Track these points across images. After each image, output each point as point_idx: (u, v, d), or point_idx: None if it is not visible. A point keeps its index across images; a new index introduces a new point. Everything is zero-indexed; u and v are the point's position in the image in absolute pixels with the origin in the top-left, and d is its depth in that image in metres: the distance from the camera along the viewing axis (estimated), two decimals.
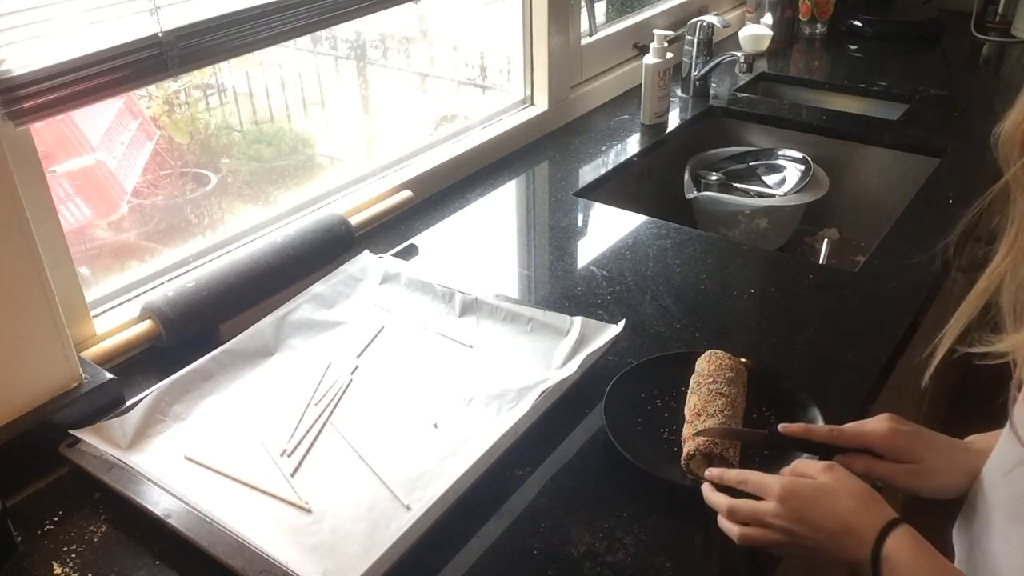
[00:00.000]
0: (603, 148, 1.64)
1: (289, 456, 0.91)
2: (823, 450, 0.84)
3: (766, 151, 1.72)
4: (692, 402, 0.92)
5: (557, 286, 1.21)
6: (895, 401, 1.26)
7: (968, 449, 0.82)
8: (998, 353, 0.66)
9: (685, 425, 0.90)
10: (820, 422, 0.91)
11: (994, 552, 0.72)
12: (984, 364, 0.67)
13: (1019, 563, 0.68)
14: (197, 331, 1.08)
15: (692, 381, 0.95)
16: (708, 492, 0.81)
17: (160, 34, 0.98)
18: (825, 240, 1.77)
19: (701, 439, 0.85)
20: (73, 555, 0.82)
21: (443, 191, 1.48)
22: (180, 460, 0.90)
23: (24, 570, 0.81)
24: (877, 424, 0.83)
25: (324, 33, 1.45)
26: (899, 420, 0.83)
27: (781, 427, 0.85)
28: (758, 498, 0.77)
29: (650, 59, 1.67)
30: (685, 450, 0.86)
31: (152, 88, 1.27)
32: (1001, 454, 0.75)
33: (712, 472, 0.83)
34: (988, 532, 0.73)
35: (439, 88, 1.73)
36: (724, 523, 0.79)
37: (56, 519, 0.86)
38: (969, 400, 0.78)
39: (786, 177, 1.66)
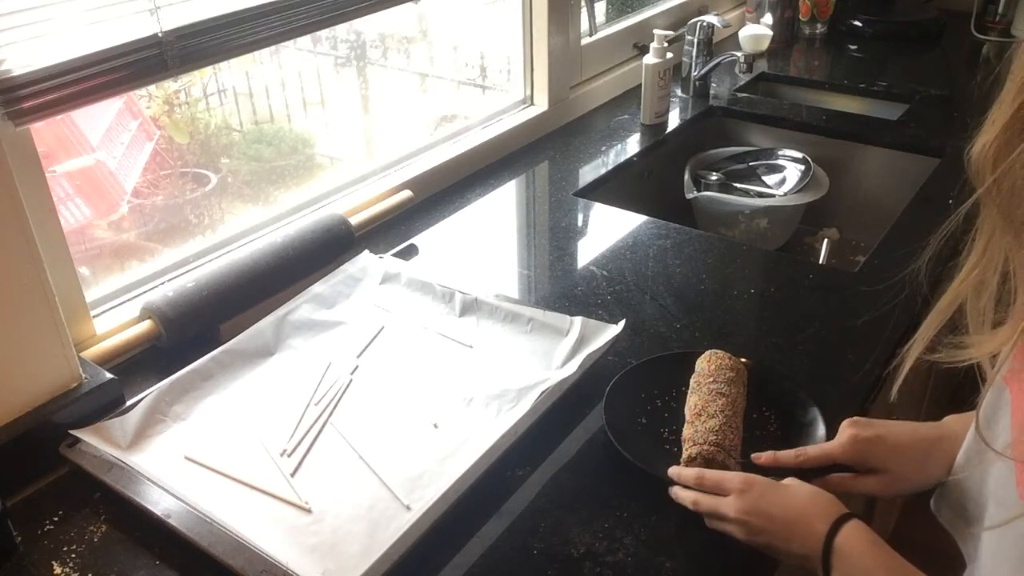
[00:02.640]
0: (603, 148, 1.64)
1: (289, 456, 0.91)
2: (807, 472, 0.84)
3: (766, 151, 1.72)
4: (692, 402, 0.92)
5: (557, 286, 1.21)
6: (896, 401, 1.26)
7: (941, 437, 0.81)
8: (963, 359, 0.67)
9: (685, 425, 0.90)
10: (820, 422, 0.91)
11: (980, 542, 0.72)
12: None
13: (995, 551, 0.69)
14: (197, 331, 1.08)
15: (692, 381, 0.95)
16: (678, 490, 0.83)
17: (160, 34, 0.98)
18: (825, 240, 1.77)
19: (706, 447, 0.85)
20: (73, 555, 0.82)
21: (443, 191, 1.48)
22: (180, 460, 0.90)
23: (24, 570, 0.81)
24: (838, 437, 0.84)
25: (324, 33, 1.45)
26: (860, 425, 0.83)
27: (752, 457, 0.86)
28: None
29: (650, 59, 1.67)
30: (686, 452, 0.87)
31: (152, 88, 1.27)
32: (969, 447, 0.75)
33: (672, 470, 0.84)
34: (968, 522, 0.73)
35: (439, 88, 1.73)
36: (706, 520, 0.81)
37: (56, 519, 0.86)
38: (973, 400, 0.78)
39: (786, 177, 1.66)
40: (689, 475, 0.82)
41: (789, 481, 0.79)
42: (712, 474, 0.81)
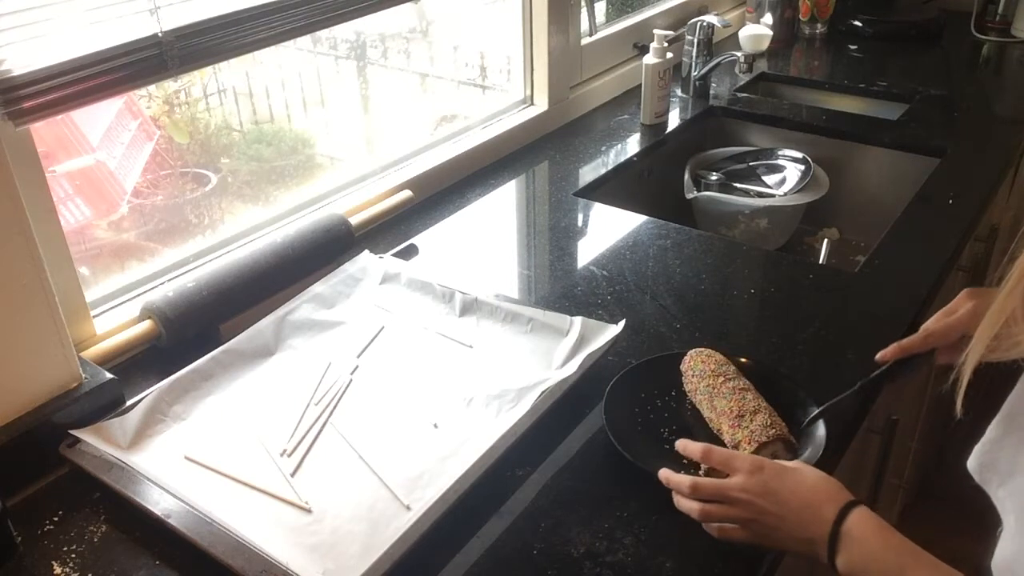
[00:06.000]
0: (603, 148, 1.64)
1: (289, 456, 0.91)
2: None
3: (766, 151, 1.72)
4: (721, 406, 0.91)
5: (557, 286, 1.21)
6: (896, 400, 1.26)
7: None
8: (1017, 354, 0.68)
9: (730, 430, 0.89)
10: (820, 422, 0.91)
11: None
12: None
13: None
14: (197, 331, 1.08)
15: (700, 384, 0.95)
16: (668, 473, 0.81)
17: (160, 34, 0.98)
18: (825, 240, 1.77)
19: (775, 446, 0.85)
20: (73, 555, 0.82)
21: (443, 191, 1.48)
22: (180, 460, 0.90)
23: (24, 570, 0.81)
24: (959, 310, 0.84)
25: (324, 33, 1.45)
26: (980, 295, 0.84)
27: (879, 356, 0.87)
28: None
29: (650, 59, 1.67)
30: (749, 451, 0.85)
31: (152, 88, 1.27)
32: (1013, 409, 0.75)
33: (680, 443, 0.84)
34: None
35: (439, 88, 1.73)
36: (684, 502, 0.79)
37: (56, 519, 0.86)
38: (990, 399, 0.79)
39: (786, 177, 1.66)
40: (696, 449, 0.81)
41: (796, 465, 0.78)
42: (720, 450, 0.80)
